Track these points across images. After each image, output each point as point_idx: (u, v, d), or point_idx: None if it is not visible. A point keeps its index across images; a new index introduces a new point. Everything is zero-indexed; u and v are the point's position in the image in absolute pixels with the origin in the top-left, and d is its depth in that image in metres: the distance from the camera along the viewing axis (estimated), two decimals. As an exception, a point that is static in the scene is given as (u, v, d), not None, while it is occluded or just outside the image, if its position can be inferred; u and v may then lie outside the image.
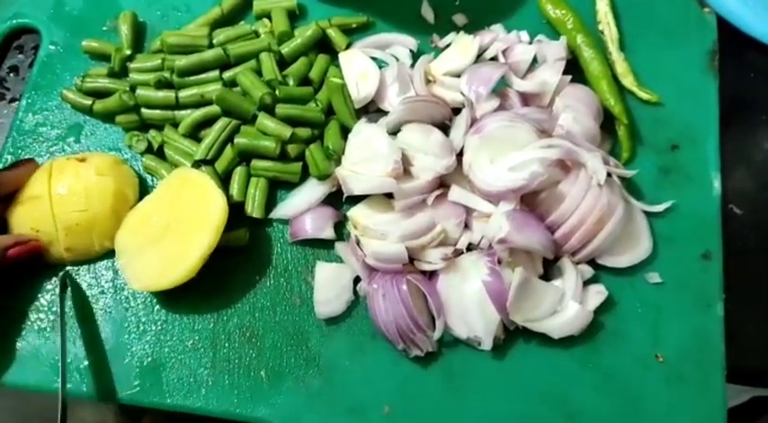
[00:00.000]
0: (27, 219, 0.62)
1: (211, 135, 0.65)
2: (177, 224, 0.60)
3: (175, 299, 0.62)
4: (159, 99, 0.68)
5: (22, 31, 0.76)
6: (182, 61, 0.68)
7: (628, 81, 0.68)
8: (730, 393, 0.59)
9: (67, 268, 0.64)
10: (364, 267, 0.60)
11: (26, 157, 0.69)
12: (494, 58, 0.68)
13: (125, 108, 0.68)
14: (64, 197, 0.62)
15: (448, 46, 0.70)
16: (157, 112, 0.68)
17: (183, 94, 0.68)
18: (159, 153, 0.68)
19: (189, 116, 0.67)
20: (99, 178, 0.63)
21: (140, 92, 0.68)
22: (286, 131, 0.63)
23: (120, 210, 0.63)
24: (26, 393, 0.62)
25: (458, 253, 0.60)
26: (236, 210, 0.62)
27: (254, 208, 0.64)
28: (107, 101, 0.69)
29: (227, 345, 0.61)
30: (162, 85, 0.68)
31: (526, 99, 0.65)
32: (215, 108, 0.66)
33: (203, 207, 0.59)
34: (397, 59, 0.69)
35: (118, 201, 0.63)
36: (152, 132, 0.68)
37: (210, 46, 0.70)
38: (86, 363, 0.61)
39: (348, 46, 0.71)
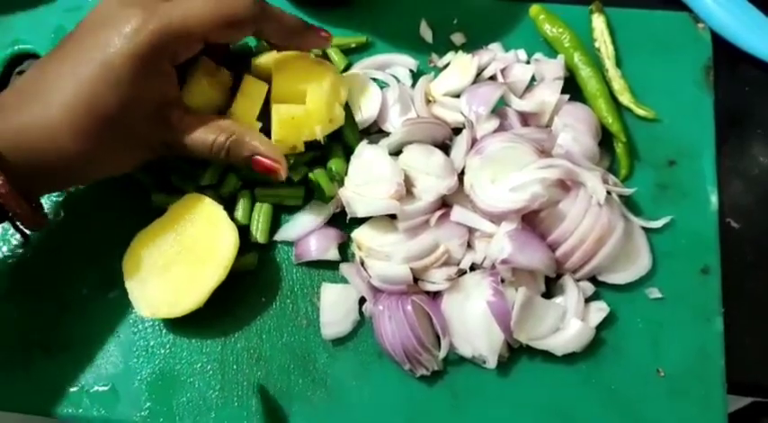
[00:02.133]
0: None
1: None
2: (187, 253, 0.61)
3: (183, 322, 0.62)
4: (163, 123, 0.68)
5: (24, 57, 0.76)
6: (185, 86, 0.68)
7: (625, 98, 0.69)
8: (730, 398, 0.60)
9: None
10: (369, 288, 0.61)
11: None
12: (492, 78, 0.69)
13: (129, 132, 0.69)
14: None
15: (446, 65, 0.71)
16: (161, 136, 0.69)
17: (187, 118, 0.68)
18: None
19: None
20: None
21: (144, 116, 0.68)
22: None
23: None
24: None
25: (461, 273, 0.61)
26: (241, 231, 0.63)
27: (258, 233, 0.64)
28: (111, 125, 0.69)
29: (235, 367, 0.62)
30: (165, 109, 0.69)
31: (525, 118, 0.66)
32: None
33: (214, 240, 0.60)
34: (398, 80, 0.70)
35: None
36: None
37: (212, 68, 0.70)
38: (95, 388, 0.62)
39: (347, 67, 0.72)
